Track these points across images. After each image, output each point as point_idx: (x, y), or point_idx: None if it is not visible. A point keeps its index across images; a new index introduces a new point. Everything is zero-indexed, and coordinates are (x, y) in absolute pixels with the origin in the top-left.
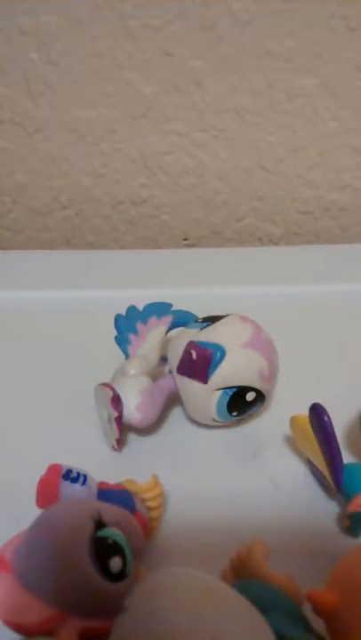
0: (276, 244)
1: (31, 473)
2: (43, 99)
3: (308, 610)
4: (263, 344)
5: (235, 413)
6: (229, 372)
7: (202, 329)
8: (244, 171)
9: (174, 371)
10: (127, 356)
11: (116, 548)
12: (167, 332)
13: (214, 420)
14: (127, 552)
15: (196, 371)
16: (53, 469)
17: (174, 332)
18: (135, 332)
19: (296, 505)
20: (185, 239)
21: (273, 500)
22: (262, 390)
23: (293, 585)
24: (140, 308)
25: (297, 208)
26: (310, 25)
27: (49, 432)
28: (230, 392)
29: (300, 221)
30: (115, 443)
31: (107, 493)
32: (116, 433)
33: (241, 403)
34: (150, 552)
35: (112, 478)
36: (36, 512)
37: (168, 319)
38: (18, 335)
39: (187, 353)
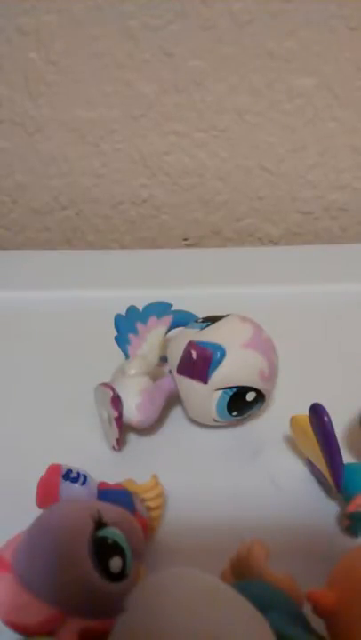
0: (276, 244)
1: (31, 473)
2: (43, 99)
3: (308, 610)
4: (263, 344)
5: (235, 413)
6: (229, 372)
7: (202, 329)
8: (244, 171)
9: (174, 371)
10: (127, 356)
11: (116, 548)
12: (167, 332)
13: (214, 420)
14: (127, 552)
15: (196, 371)
16: (53, 469)
17: (174, 332)
18: (135, 332)
19: (296, 505)
20: (185, 239)
21: (273, 500)
22: (262, 390)
23: (293, 585)
24: (140, 308)
25: (297, 208)
26: (310, 25)
27: (49, 432)
28: (230, 392)
29: (300, 221)
30: (115, 443)
31: (107, 493)
32: (116, 433)
33: (241, 403)
34: (150, 552)
35: (112, 478)
36: (36, 512)
37: (168, 319)
38: (18, 335)
39: (187, 353)
